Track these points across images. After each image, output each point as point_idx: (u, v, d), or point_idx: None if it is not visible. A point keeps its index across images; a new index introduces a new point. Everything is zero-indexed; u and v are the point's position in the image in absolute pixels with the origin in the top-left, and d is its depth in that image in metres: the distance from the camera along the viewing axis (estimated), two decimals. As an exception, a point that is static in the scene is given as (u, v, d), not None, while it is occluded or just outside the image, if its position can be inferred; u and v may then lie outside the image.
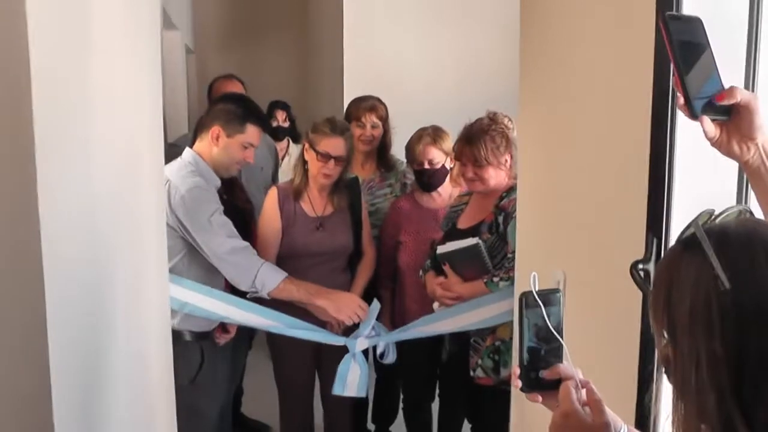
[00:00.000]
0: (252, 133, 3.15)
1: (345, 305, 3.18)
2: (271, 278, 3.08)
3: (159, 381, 2.53)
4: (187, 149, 3.18)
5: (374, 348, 3.30)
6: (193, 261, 3.06)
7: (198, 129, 3.26)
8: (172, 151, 3.12)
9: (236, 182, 3.50)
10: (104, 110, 1.80)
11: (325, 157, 3.30)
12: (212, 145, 3.12)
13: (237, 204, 3.36)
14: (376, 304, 3.25)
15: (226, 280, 3.16)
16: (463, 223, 3.24)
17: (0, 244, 1.26)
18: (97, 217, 1.73)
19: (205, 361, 3.12)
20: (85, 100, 1.65)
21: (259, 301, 3.16)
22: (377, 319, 3.28)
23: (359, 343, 3.24)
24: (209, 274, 3.10)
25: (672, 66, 1.19)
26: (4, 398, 1.29)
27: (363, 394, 3.33)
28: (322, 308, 3.16)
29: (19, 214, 1.27)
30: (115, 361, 1.89)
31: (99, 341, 1.76)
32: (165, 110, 2.96)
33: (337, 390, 3.27)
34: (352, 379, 3.26)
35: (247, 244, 3.11)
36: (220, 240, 3.03)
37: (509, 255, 2.93)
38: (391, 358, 3.35)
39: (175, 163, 3.11)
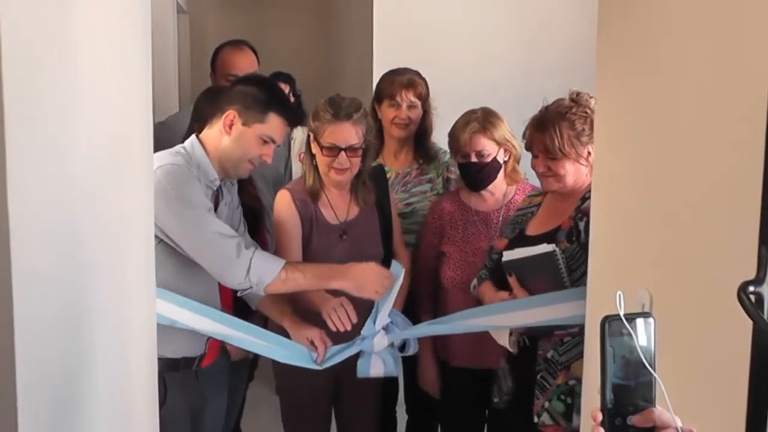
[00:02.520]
0: (274, 124, 3.11)
1: (367, 279, 3.11)
2: (267, 268, 3.02)
3: (143, 410, 2.55)
4: (192, 136, 3.18)
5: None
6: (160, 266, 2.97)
7: (205, 112, 3.25)
8: (159, 133, 3.01)
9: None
10: (84, 83, 1.82)
11: (332, 149, 3.29)
12: (223, 133, 3.10)
13: (244, 201, 3.36)
14: (397, 267, 3.19)
15: (220, 292, 3.18)
16: (533, 229, 3.20)
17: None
18: (76, 218, 1.74)
19: (168, 398, 3.07)
20: (63, 72, 1.66)
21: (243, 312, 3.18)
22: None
23: (377, 343, 3.20)
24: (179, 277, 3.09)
25: None
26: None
27: (393, 372, 3.32)
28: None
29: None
30: (92, 392, 1.90)
31: (75, 366, 1.77)
32: (153, 84, 2.97)
33: (361, 373, 3.25)
34: (377, 359, 3.24)
35: (235, 233, 3.07)
36: (202, 221, 2.98)
37: (591, 269, 2.88)
38: (413, 349, 3.34)
39: (169, 151, 3.11)
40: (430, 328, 3.40)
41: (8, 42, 1.27)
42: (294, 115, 3.25)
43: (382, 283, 3.11)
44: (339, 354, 3.20)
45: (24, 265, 1.35)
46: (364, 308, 3.18)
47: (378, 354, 3.22)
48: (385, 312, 3.16)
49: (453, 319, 3.26)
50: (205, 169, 3.09)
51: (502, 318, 3.10)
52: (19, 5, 1.35)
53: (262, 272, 3.00)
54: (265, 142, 3.10)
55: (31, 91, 1.44)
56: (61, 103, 1.65)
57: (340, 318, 3.13)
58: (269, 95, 3.14)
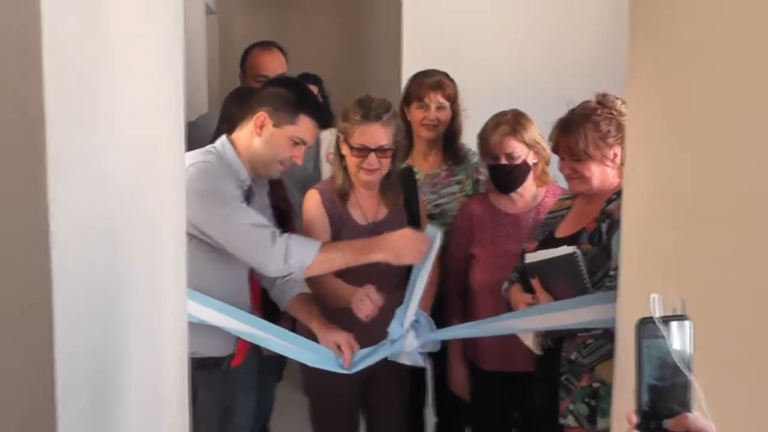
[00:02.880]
0: (305, 126, 3.13)
1: (404, 246, 3.11)
2: (305, 251, 3.03)
3: (174, 409, 2.57)
4: (223, 136, 3.20)
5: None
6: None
7: (233, 113, 3.27)
8: (189, 132, 3.05)
9: None
10: (119, 84, 1.84)
11: (362, 150, 3.30)
12: (254, 134, 3.12)
13: (273, 202, 3.38)
14: (432, 230, 3.18)
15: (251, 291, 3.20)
16: (562, 232, 3.21)
17: (7, 248, 1.30)
18: (111, 218, 1.77)
19: (198, 397, 3.09)
20: (99, 74, 1.68)
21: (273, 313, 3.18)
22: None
23: (408, 345, 3.19)
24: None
25: None
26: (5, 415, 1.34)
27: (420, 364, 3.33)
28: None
29: (27, 214, 1.31)
30: (125, 390, 1.92)
31: (109, 364, 1.80)
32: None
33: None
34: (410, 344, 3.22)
35: (269, 222, 3.09)
36: (235, 213, 3.01)
37: (612, 272, 2.88)
38: (434, 346, 3.34)
39: (200, 150, 3.13)
40: (458, 330, 3.40)
41: (49, 44, 1.30)
42: (324, 117, 3.27)
43: (419, 247, 3.10)
44: (368, 358, 3.20)
45: (62, 264, 1.37)
46: (389, 308, 3.19)
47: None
48: (412, 308, 3.15)
49: (481, 323, 3.27)
50: (236, 169, 3.12)
51: (529, 321, 3.10)
52: (59, 9, 1.37)
53: (300, 256, 3.01)
54: (296, 143, 3.12)
55: (70, 92, 1.46)
56: (98, 103, 1.67)
57: (367, 306, 3.15)
58: (300, 97, 3.16)
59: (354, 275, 3.27)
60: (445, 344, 3.41)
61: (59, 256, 1.35)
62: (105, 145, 1.72)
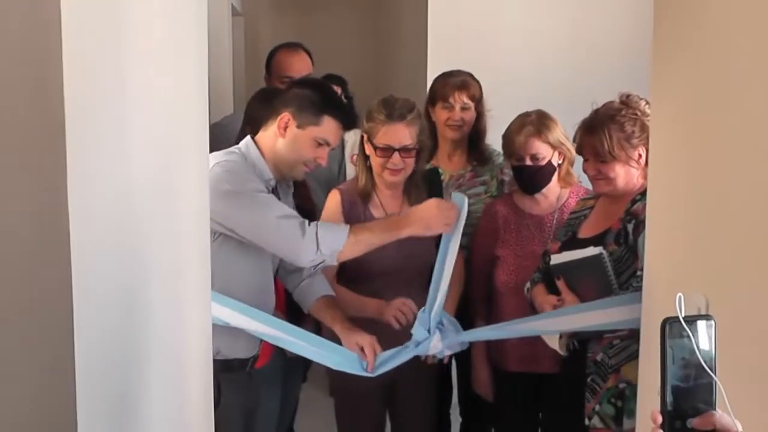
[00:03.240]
0: (329, 127, 3.13)
1: (432, 216, 3.09)
2: (335, 237, 3.02)
3: (198, 410, 2.57)
4: (247, 137, 3.21)
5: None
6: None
7: (257, 114, 3.28)
8: (214, 133, 3.08)
9: None
10: (142, 84, 1.85)
11: (386, 150, 3.31)
12: (278, 135, 3.13)
13: (298, 203, 3.39)
14: (459, 197, 3.15)
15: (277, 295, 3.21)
16: (585, 232, 3.20)
17: (27, 251, 1.31)
18: (134, 218, 1.77)
19: (222, 399, 3.09)
20: (121, 74, 1.69)
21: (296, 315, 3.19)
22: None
23: (433, 347, 3.18)
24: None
25: None
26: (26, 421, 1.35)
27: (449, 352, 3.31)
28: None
29: (47, 216, 1.32)
30: (149, 392, 1.93)
31: (132, 366, 1.81)
32: (208, 85, 3.01)
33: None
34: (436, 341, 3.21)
35: (295, 212, 3.09)
36: (261, 209, 3.01)
37: (639, 272, 2.85)
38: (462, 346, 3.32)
39: (223, 151, 3.14)
40: (483, 332, 3.40)
41: (70, 44, 1.30)
42: (348, 118, 3.26)
43: (447, 215, 3.08)
44: (392, 360, 3.19)
45: (83, 267, 1.38)
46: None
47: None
48: (436, 309, 3.14)
49: (506, 325, 3.26)
50: (260, 170, 3.13)
51: (554, 322, 3.10)
52: (80, 9, 1.38)
53: (331, 243, 3.00)
54: (320, 144, 3.12)
55: (92, 92, 1.47)
56: (119, 105, 1.68)
57: (404, 314, 3.20)
58: (324, 98, 3.16)
59: (379, 281, 3.32)
60: (469, 346, 3.40)
61: (80, 258, 1.35)
62: (126, 146, 1.72)
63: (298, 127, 3.11)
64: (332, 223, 3.21)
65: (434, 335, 3.16)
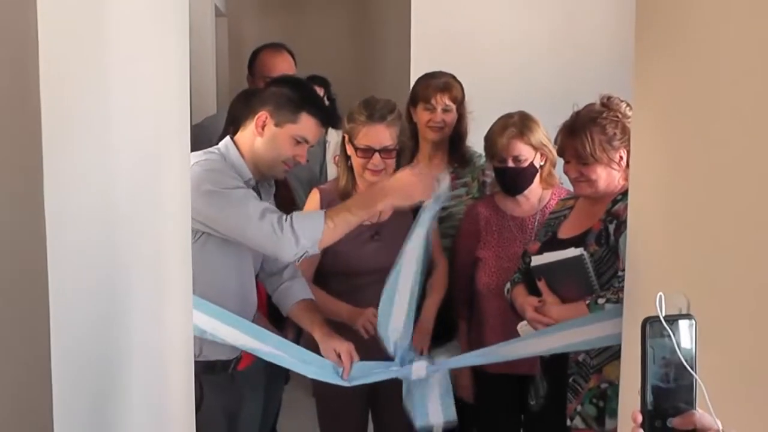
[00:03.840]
0: (307, 124, 3.10)
1: (411, 185, 3.01)
2: (312, 225, 2.96)
3: (179, 412, 2.57)
4: (227, 137, 3.20)
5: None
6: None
7: (239, 115, 3.27)
8: (195, 134, 3.00)
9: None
10: (123, 85, 1.84)
11: (367, 151, 3.33)
12: (256, 134, 3.11)
13: (279, 203, 3.37)
14: (443, 175, 3.14)
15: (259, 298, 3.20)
16: (565, 232, 3.20)
17: (2, 255, 1.30)
18: (113, 219, 1.76)
19: (205, 400, 3.06)
20: (100, 74, 1.68)
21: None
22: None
23: (415, 371, 3.18)
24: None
25: None
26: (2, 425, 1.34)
27: (452, 417, 3.28)
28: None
29: (22, 219, 1.31)
30: (128, 394, 1.92)
31: (111, 368, 1.80)
32: (191, 86, 3.00)
33: (420, 421, 3.21)
34: (434, 404, 3.21)
35: (270, 206, 3.04)
36: (243, 207, 2.95)
37: (620, 272, 2.86)
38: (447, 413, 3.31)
39: (203, 151, 3.12)
40: (468, 359, 3.39)
41: (46, 42, 1.29)
42: (327, 116, 3.23)
43: (427, 182, 3.03)
44: (371, 375, 3.20)
45: (60, 267, 1.37)
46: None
47: (432, 401, 3.21)
48: (403, 328, 3.15)
49: (490, 350, 3.26)
50: (239, 170, 3.11)
51: (538, 343, 3.08)
52: (59, 8, 1.37)
53: (309, 233, 2.94)
54: (298, 142, 3.11)
55: (71, 93, 1.46)
56: (101, 104, 1.67)
57: (373, 325, 3.19)
58: (301, 95, 3.14)
59: (361, 295, 3.35)
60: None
61: (56, 259, 1.35)
62: (107, 146, 1.71)
63: (276, 125, 3.09)
64: (307, 211, 3.16)
65: (420, 362, 3.17)
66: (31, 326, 1.34)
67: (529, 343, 3.11)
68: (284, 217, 2.97)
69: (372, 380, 3.20)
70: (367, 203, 3.04)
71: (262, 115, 3.10)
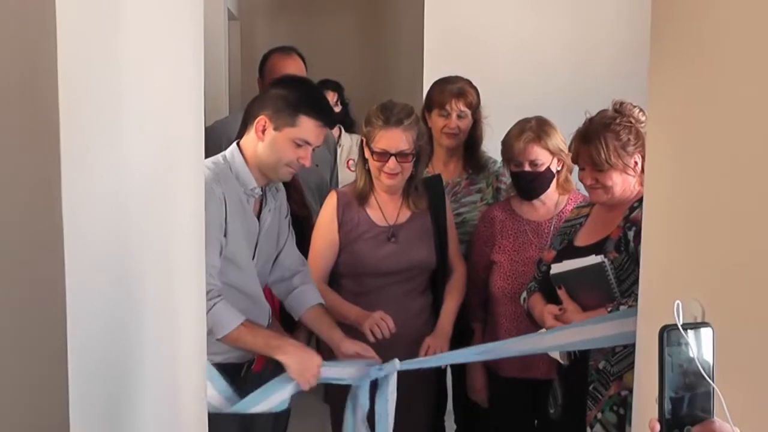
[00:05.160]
0: (306, 127, 3.05)
1: (308, 363, 3.07)
2: (224, 321, 2.97)
3: (192, 415, 2.57)
4: (234, 143, 3.18)
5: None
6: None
7: (245, 118, 3.26)
8: (207, 137, 2.95)
9: (293, 182, 3.49)
10: (138, 88, 1.84)
11: (383, 155, 3.34)
12: (257, 139, 3.07)
13: (293, 208, 3.38)
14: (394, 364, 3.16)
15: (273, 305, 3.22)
16: (582, 240, 3.20)
17: (20, 257, 1.31)
18: (127, 223, 1.77)
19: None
20: (116, 78, 1.69)
21: None
22: None
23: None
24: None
25: None
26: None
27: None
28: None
29: (40, 222, 1.31)
30: (142, 398, 1.93)
31: (125, 371, 1.80)
32: (204, 90, 3.00)
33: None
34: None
35: (212, 280, 2.97)
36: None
37: (642, 279, 2.86)
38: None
39: (210, 159, 3.09)
40: (480, 353, 3.41)
41: (64, 48, 1.30)
42: (328, 116, 3.18)
43: (314, 372, 3.07)
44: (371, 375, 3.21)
45: (77, 269, 1.37)
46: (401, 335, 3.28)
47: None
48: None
49: (501, 345, 3.27)
50: (243, 179, 3.09)
51: (553, 338, 3.09)
52: (76, 12, 1.38)
53: (217, 321, 2.94)
54: (299, 145, 3.06)
55: (87, 96, 1.47)
56: (116, 107, 1.67)
57: (380, 329, 3.23)
58: (299, 97, 3.09)
59: (374, 296, 3.39)
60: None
61: (73, 261, 1.35)
62: (122, 150, 1.72)
63: (275, 129, 3.05)
64: (233, 310, 3.03)
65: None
66: (48, 329, 1.35)
67: (538, 340, 3.12)
68: (217, 294, 2.95)
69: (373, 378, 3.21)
70: (270, 347, 3.06)
71: (261, 119, 3.06)
